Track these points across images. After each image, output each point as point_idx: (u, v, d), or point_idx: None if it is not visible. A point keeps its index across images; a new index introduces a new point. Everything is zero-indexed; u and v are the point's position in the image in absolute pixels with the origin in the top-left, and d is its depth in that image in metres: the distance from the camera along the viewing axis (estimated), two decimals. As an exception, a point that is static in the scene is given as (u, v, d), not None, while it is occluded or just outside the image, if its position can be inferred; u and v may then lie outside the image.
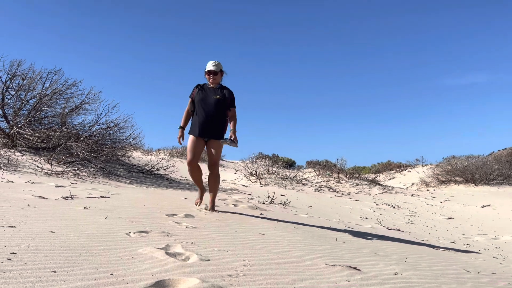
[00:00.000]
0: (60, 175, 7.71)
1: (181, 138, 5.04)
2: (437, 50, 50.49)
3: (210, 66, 5.04)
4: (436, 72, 50.45)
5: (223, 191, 9.39)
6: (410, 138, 45.77)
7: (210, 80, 5.05)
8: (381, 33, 52.01)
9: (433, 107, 50.04)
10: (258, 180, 14.53)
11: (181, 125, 5.10)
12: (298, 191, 12.96)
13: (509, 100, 43.53)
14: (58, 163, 8.65)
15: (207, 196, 5.38)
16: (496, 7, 44.15)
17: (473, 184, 19.38)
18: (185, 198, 6.49)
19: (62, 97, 10.14)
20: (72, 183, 6.94)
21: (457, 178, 20.27)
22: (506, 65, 45.55)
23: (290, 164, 30.25)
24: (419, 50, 51.24)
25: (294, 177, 15.81)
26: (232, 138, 4.85)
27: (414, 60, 51.80)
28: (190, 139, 4.98)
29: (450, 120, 48.10)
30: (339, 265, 2.68)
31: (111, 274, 2.02)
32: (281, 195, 10.17)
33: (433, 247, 5.08)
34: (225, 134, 5.03)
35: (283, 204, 7.91)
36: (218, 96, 4.96)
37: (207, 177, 5.13)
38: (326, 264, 2.70)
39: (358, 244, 4.07)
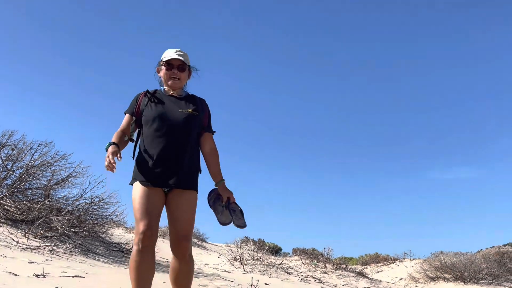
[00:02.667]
0: (35, 250, 7.37)
1: (116, 155, 2.68)
2: (422, 143, 52.13)
3: (172, 54, 2.90)
4: (422, 166, 51.55)
5: (204, 276, 8.98)
6: (397, 230, 45.37)
7: (170, 82, 2.92)
8: (367, 123, 54.11)
9: (419, 200, 50.37)
10: (242, 266, 14.01)
11: (112, 140, 2.81)
12: (283, 280, 12.45)
13: (495, 197, 44.16)
14: (35, 237, 8.32)
15: None
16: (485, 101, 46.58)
17: (463, 283, 18.85)
18: (164, 282, 6.19)
19: (49, 169, 10.06)
20: (46, 259, 6.62)
21: (446, 275, 19.78)
22: (493, 161, 46.87)
23: (276, 251, 29.45)
24: (403, 142, 52.88)
25: (279, 264, 15.27)
26: (233, 208, 2.86)
27: (398, 153, 53.23)
28: (136, 191, 2.77)
29: (437, 213, 48.17)
30: None
31: None
32: (265, 283, 9.74)
33: None
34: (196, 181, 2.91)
35: (267, 294, 7.55)
36: (190, 110, 2.87)
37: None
38: None
39: None
